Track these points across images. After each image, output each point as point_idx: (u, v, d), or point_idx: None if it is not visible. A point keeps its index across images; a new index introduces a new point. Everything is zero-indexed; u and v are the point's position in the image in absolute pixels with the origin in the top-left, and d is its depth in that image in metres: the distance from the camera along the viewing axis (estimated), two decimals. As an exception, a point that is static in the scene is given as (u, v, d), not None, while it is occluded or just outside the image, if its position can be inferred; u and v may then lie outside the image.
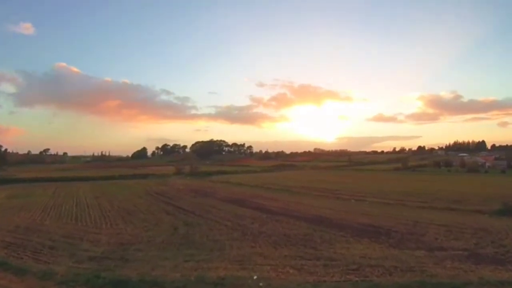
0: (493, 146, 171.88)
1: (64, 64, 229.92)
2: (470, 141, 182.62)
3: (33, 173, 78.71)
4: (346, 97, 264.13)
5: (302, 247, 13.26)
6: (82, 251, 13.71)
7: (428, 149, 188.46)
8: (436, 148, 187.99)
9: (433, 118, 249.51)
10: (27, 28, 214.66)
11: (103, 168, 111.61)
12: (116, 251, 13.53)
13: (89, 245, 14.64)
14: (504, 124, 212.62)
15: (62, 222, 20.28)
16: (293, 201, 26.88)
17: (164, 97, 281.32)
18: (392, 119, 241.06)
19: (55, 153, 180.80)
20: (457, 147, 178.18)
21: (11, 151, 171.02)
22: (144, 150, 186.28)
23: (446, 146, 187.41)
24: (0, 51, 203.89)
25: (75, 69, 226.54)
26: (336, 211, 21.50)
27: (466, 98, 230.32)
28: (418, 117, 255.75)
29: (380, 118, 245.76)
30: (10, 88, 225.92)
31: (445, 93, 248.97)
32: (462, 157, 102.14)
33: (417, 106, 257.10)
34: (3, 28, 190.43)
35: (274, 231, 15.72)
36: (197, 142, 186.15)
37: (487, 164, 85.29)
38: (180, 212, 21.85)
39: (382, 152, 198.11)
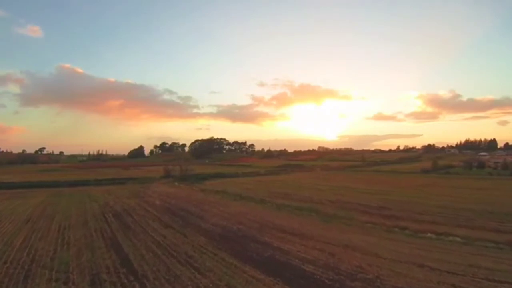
0: (506, 144, 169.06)
1: (68, 65, 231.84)
2: (482, 139, 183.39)
3: (13, 174, 70.27)
4: (345, 95, 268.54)
5: None
6: None
7: (438, 147, 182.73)
8: (445, 146, 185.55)
9: (432, 116, 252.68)
10: (34, 30, 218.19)
11: (94, 167, 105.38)
12: None
13: None
14: (504, 123, 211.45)
15: None
16: (334, 239, 15.32)
17: (167, 96, 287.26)
18: (391, 118, 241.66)
19: (51, 152, 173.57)
20: (468, 146, 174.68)
21: (5, 150, 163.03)
22: (141, 148, 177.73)
23: (456, 144, 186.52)
24: (7, 53, 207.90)
25: (79, 70, 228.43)
26: (435, 275, 10.49)
27: (464, 97, 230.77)
28: (418, 116, 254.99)
29: (380, 117, 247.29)
30: (16, 89, 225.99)
31: (444, 92, 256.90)
32: (501, 157, 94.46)
33: (417, 105, 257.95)
34: (11, 30, 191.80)
35: None
36: (196, 140, 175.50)
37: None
38: (120, 277, 10.95)
39: (390, 150, 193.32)
